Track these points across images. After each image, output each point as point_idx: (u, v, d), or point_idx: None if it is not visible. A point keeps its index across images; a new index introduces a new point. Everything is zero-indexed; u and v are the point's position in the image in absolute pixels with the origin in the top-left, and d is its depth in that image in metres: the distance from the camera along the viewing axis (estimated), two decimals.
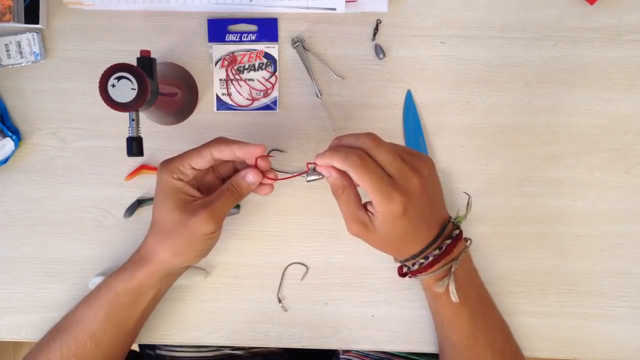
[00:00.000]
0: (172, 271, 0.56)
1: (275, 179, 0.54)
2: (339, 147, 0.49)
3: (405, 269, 0.55)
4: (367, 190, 0.47)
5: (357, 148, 0.48)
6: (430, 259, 0.52)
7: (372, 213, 0.50)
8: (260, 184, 0.54)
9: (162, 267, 0.54)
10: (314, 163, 0.50)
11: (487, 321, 0.58)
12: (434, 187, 0.52)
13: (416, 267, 0.53)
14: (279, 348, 0.78)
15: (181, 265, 0.56)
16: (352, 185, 0.51)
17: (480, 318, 0.57)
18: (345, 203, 0.51)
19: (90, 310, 0.56)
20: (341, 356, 0.73)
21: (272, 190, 0.55)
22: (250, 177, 0.53)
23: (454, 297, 0.53)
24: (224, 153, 0.52)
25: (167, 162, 0.53)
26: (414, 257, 0.53)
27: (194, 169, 0.52)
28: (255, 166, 0.53)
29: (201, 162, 0.52)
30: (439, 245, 0.52)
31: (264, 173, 0.53)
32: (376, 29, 0.61)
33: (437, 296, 0.55)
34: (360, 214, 0.50)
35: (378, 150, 0.48)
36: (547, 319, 0.62)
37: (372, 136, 0.49)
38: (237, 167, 0.56)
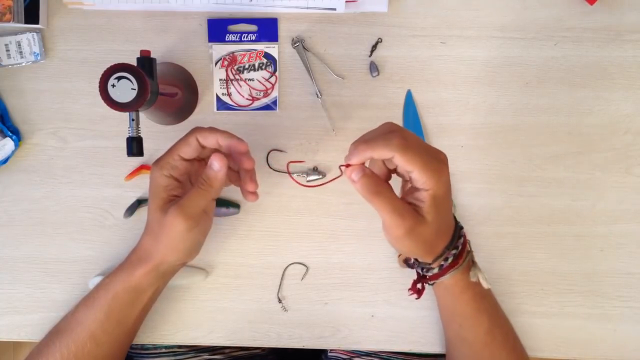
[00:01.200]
0: (168, 269, 0.56)
1: (255, 188, 0.54)
2: (371, 138, 0.46)
3: (436, 269, 0.52)
4: (417, 168, 0.45)
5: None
6: (460, 247, 0.51)
7: (414, 204, 0.47)
8: (245, 191, 0.54)
9: (158, 265, 0.54)
10: (346, 165, 0.47)
11: (500, 317, 0.59)
12: None
13: (450, 260, 0.51)
14: (264, 349, 0.78)
15: (176, 263, 0.56)
16: (386, 181, 0.49)
17: (495, 314, 0.58)
18: (389, 199, 0.46)
19: (89, 311, 0.56)
20: (329, 354, 0.73)
21: (257, 198, 0.54)
22: (216, 164, 0.50)
23: (486, 284, 0.53)
24: (209, 140, 0.51)
25: (157, 160, 0.53)
26: (447, 248, 0.51)
27: (183, 159, 0.52)
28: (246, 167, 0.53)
29: (188, 150, 0.52)
30: (460, 234, 0.52)
31: (250, 174, 0.53)
32: (374, 47, 0.61)
33: (460, 294, 0.55)
34: (407, 206, 0.47)
35: (406, 132, 0.47)
36: (547, 319, 0.62)
37: (392, 122, 0.48)
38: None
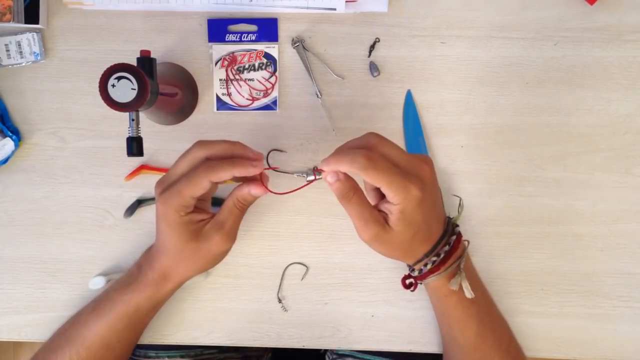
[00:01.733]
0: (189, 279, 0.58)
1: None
2: (343, 150, 0.48)
3: (417, 272, 0.54)
4: (382, 185, 0.47)
5: (361, 148, 0.48)
6: (442, 255, 0.52)
7: (385, 213, 0.49)
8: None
9: (184, 280, 0.57)
10: (322, 170, 0.49)
11: (493, 320, 0.59)
12: (437, 182, 0.53)
13: (429, 266, 0.52)
14: (266, 358, 0.79)
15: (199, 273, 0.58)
16: (359, 187, 0.50)
17: (487, 317, 0.58)
18: (357, 205, 0.49)
19: (102, 322, 0.56)
20: None
21: (263, 191, 0.53)
22: (257, 191, 0.52)
23: (469, 293, 0.53)
24: (224, 177, 0.49)
25: (168, 200, 0.50)
26: (426, 255, 0.52)
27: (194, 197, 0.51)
28: (260, 178, 0.52)
29: (201, 190, 0.49)
30: (447, 242, 0.52)
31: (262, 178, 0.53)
32: (372, 47, 0.61)
33: (446, 297, 0.55)
34: (375, 214, 0.49)
35: (383, 145, 0.48)
36: (547, 319, 0.62)
37: (373, 133, 0.49)
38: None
